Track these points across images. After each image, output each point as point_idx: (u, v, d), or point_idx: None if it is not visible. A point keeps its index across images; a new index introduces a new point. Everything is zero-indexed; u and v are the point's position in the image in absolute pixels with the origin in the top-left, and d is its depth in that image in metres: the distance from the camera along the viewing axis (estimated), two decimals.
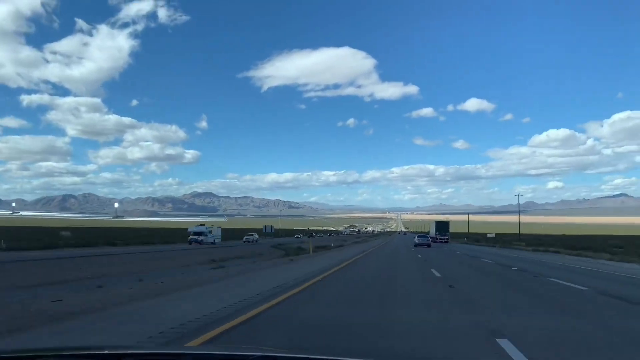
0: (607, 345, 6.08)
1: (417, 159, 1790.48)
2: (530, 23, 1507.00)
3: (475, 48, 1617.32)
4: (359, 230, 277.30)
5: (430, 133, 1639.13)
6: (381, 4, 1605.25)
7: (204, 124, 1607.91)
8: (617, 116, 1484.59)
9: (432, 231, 70.53)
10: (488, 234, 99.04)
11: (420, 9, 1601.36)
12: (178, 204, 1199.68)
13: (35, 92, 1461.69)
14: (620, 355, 5.61)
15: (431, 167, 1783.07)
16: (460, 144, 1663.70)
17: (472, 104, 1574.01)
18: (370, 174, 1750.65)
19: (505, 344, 5.69)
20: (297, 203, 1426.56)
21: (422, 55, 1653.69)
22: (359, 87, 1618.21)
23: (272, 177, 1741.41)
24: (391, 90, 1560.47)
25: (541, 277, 16.25)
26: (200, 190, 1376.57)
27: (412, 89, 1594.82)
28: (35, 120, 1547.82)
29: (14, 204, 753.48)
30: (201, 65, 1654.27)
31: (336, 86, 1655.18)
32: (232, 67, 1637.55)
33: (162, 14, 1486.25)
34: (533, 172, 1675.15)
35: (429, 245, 48.88)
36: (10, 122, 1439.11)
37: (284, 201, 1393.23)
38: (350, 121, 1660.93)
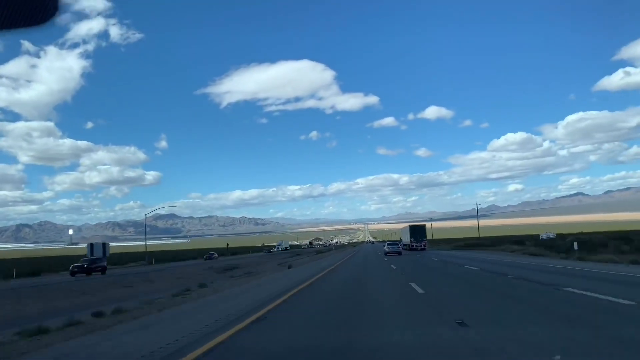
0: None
1: (381, 169, 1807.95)
2: (483, 28, 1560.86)
3: (432, 56, 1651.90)
4: (312, 244, 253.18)
5: (393, 142, 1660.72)
6: (338, 17, 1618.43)
7: (163, 143, 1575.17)
8: (570, 117, 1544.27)
9: (406, 237, 63.87)
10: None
11: (377, 19, 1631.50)
12: (140, 228, 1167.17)
13: None
14: None
15: (395, 176, 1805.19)
16: (422, 152, 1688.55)
17: (432, 112, 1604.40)
18: (336, 186, 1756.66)
19: None
20: (264, 219, 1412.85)
21: (381, 65, 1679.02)
22: (320, 99, 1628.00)
23: (237, 194, 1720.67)
24: (352, 101, 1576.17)
25: (561, 289, 12.32)
26: (162, 212, 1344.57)
27: (373, 99, 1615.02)
28: None
29: None
30: (158, 83, 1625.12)
31: (297, 99, 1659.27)
32: (190, 84, 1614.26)
33: (114, 32, 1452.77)
34: (494, 175, 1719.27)
35: (399, 253, 47.91)
36: None
37: (249, 218, 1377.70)
38: (313, 134, 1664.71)
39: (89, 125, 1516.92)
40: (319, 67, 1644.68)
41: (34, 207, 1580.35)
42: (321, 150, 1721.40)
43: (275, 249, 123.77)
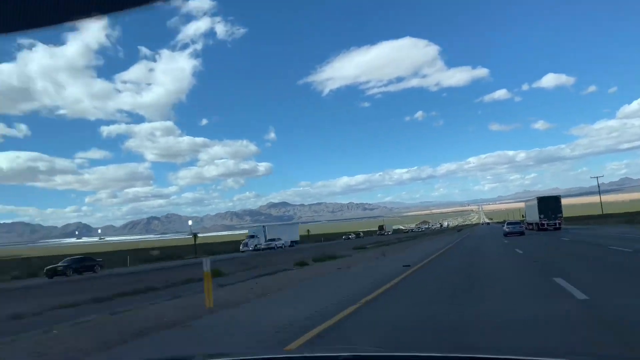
0: None
1: (495, 146, 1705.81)
2: None
3: (546, 19, 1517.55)
4: (425, 227, 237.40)
5: (506, 116, 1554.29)
6: None
7: (272, 135, 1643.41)
8: None
9: (532, 214, 51.29)
10: None
11: None
12: (255, 216, 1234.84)
13: (112, 122, 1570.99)
14: None
15: (510, 152, 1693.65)
16: (540, 125, 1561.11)
17: (550, 80, 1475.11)
18: (445, 167, 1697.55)
19: None
20: (371, 204, 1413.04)
21: (489, 34, 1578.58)
22: (424, 77, 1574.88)
23: (344, 180, 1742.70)
24: (459, 76, 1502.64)
25: None
26: (275, 201, 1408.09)
27: (482, 72, 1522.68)
28: (116, 149, 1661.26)
29: (99, 231, 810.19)
30: (262, 76, 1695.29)
31: (399, 79, 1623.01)
32: (292, 74, 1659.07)
33: (220, 29, 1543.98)
34: (625, 145, 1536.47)
35: (522, 234, 40.84)
36: (95, 154, 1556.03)
37: (357, 204, 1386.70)
38: (419, 114, 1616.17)
39: (204, 122, 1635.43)
40: (422, 43, 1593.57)
41: (162, 202, 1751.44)
42: (428, 131, 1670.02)
43: (378, 233, 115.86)
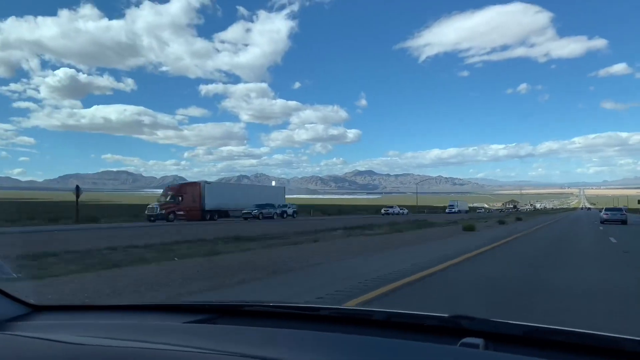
0: None
1: (606, 126, 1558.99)
2: None
3: None
4: (513, 207, 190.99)
5: (623, 94, 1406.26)
6: None
7: (363, 102, 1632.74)
8: None
9: None
10: None
11: None
12: (340, 183, 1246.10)
13: (210, 81, 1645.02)
14: None
15: (624, 134, 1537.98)
16: None
17: None
18: (547, 146, 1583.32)
19: None
20: (462, 179, 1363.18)
21: (610, 2, 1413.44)
22: (532, 46, 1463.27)
23: (435, 153, 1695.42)
24: (572, 47, 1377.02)
25: None
26: (361, 169, 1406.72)
27: (599, 43, 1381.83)
28: (213, 108, 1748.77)
29: None
30: (357, 40, 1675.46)
31: (504, 48, 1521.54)
32: (389, 39, 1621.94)
33: None
34: None
35: (623, 222, 35.32)
36: (194, 111, 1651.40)
37: (446, 177, 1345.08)
38: (522, 87, 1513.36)
39: (297, 85, 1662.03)
40: (533, 9, 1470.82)
41: (254, 162, 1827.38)
42: (531, 105, 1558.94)
43: (448, 211, 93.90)
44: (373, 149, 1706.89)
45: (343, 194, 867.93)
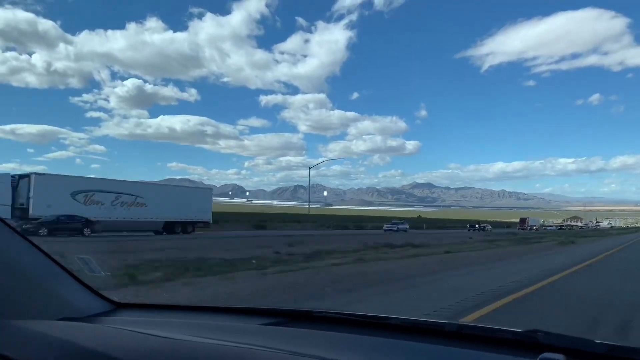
0: None
1: None
2: None
3: None
4: (568, 226, 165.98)
5: None
6: None
7: (423, 112, 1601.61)
8: None
9: None
10: None
11: None
12: (397, 194, 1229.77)
13: (270, 92, 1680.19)
14: None
15: None
16: None
17: None
18: (621, 160, 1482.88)
19: None
20: (526, 194, 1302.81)
21: None
22: (605, 54, 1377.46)
23: (499, 166, 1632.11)
24: None
25: None
26: (420, 181, 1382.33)
27: None
28: (273, 118, 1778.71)
29: (247, 193, 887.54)
30: (418, 49, 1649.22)
31: (574, 56, 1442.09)
32: (450, 47, 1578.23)
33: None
34: None
35: None
36: (254, 122, 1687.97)
37: (510, 192, 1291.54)
38: (594, 97, 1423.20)
39: (355, 95, 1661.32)
40: (607, 14, 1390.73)
41: (312, 172, 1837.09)
42: (603, 117, 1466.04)
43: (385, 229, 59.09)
44: (433, 161, 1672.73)
45: (400, 206, 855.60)
